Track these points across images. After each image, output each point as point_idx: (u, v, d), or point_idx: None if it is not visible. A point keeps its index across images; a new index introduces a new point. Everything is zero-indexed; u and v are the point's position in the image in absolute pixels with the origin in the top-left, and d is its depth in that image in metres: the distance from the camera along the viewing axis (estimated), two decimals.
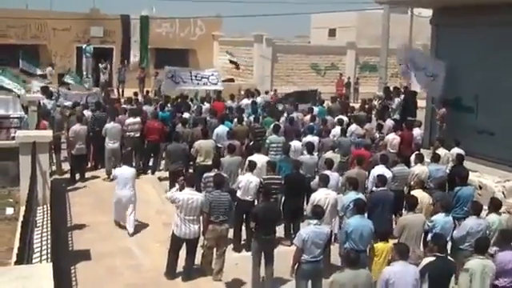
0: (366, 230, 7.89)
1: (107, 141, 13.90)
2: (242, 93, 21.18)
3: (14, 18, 27.08)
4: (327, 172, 10.06)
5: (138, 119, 14.59)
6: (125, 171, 10.68)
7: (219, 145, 13.33)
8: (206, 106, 17.53)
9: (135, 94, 20.12)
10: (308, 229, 7.57)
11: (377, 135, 14.22)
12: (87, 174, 14.15)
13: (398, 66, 31.28)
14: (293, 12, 55.33)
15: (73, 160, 13.96)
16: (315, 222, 7.59)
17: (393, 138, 13.81)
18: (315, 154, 12.10)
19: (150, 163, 14.77)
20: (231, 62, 30.51)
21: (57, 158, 14.30)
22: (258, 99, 19.58)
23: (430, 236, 8.00)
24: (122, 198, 10.58)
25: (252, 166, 10.11)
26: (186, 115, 15.50)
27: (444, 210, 8.54)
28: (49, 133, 10.59)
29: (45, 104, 15.72)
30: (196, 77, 18.89)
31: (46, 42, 28.60)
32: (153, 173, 14.62)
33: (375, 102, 21.33)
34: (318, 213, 7.74)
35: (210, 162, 11.03)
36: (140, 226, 10.83)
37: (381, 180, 9.59)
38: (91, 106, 16.28)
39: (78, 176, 13.88)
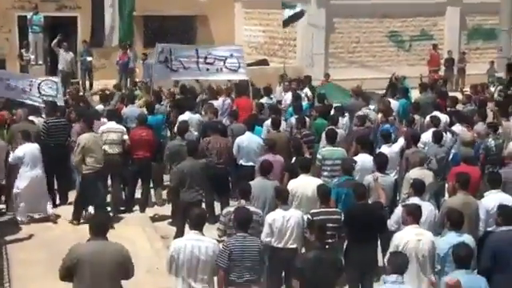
0: None
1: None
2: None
3: None
4: (415, 200, 10.06)
5: (120, 126, 14.77)
6: (32, 147, 13.34)
7: (245, 163, 13.54)
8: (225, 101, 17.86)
9: (116, 86, 20.34)
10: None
11: (493, 143, 14.03)
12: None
13: None
14: None
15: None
16: (394, 278, 7.66)
17: None
18: (393, 172, 12.10)
19: (138, 194, 14.87)
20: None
21: None
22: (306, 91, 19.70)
23: None
24: (35, 179, 13.28)
25: (283, 196, 10.19)
26: (185, 116, 15.69)
27: None
28: None
29: None
30: (206, 59, 19.01)
31: None
32: (143, 209, 14.73)
33: (492, 89, 21.09)
34: (400, 265, 7.78)
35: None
36: None
37: (505, 214, 9.40)
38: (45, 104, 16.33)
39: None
